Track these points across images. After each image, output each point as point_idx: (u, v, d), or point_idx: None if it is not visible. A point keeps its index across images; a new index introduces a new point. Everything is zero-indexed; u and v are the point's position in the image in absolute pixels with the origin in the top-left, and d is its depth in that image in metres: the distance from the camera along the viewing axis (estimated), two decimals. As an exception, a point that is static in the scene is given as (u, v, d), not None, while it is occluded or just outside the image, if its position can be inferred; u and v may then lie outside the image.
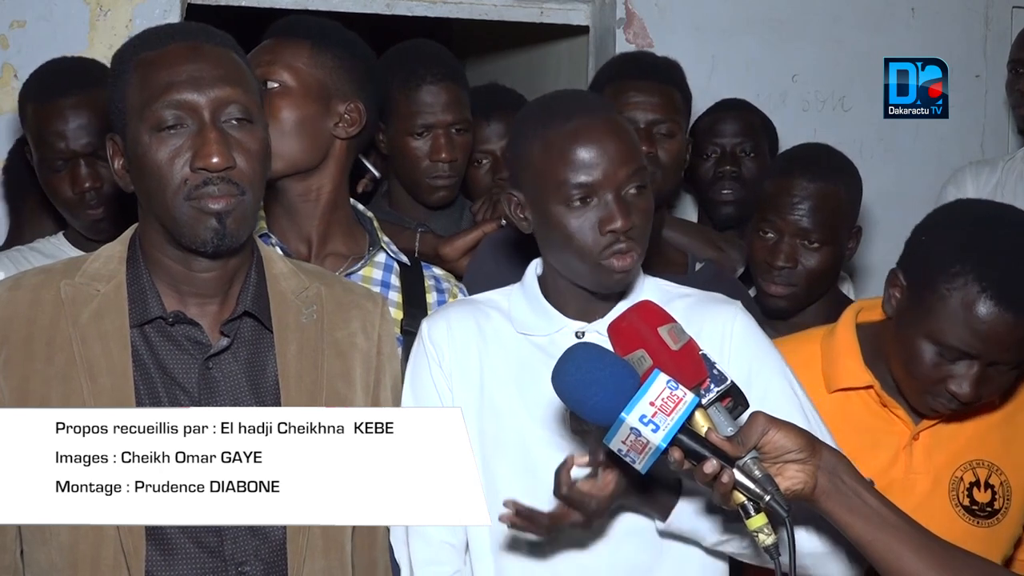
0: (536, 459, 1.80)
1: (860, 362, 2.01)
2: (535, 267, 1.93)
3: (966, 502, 1.97)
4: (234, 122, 1.62)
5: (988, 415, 2.02)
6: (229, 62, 1.65)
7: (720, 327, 1.82)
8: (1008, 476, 1.99)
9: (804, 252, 2.43)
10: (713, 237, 2.74)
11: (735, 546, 1.77)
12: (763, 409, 1.64)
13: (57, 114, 2.42)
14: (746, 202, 2.96)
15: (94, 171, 2.42)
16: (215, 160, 1.58)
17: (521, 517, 1.70)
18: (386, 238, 2.21)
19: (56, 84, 2.48)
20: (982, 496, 1.97)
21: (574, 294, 1.84)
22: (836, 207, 2.44)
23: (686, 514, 1.75)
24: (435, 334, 1.88)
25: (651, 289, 1.88)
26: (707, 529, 1.76)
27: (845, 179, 2.48)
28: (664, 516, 1.76)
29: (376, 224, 2.23)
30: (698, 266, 2.37)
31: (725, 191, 3.06)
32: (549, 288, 1.88)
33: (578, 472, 1.69)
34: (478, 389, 1.84)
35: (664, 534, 1.78)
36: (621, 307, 1.80)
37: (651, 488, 1.74)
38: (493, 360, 1.85)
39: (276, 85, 2.13)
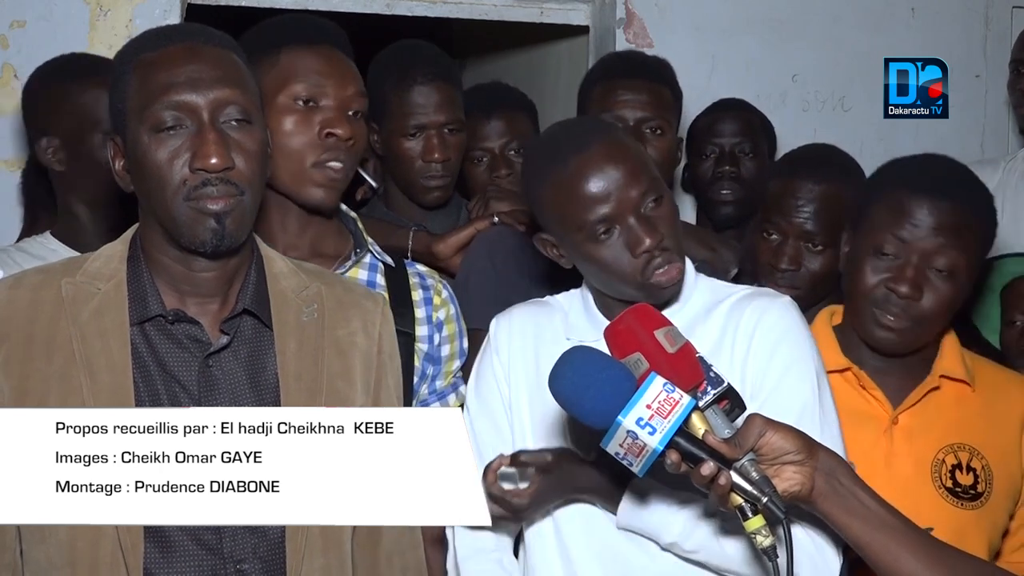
0: None
1: (837, 349, 2.07)
2: None
3: (949, 484, 1.98)
4: (233, 123, 1.63)
5: (968, 401, 2.04)
6: (228, 63, 1.66)
7: (755, 318, 1.83)
8: (989, 460, 2.00)
9: (808, 254, 2.42)
10: (705, 238, 2.72)
11: (694, 544, 1.76)
12: (773, 397, 1.67)
13: (94, 87, 2.34)
14: (745, 202, 2.96)
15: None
16: (214, 161, 1.59)
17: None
18: (370, 239, 2.20)
19: (85, 66, 2.46)
20: (965, 479, 1.99)
21: (620, 303, 1.85)
22: (841, 209, 2.42)
23: (634, 510, 1.78)
24: (499, 328, 1.97)
25: (703, 290, 1.90)
26: (660, 525, 1.77)
27: (850, 181, 2.47)
28: (615, 510, 1.80)
29: (360, 225, 2.21)
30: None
31: (724, 191, 3.05)
32: (597, 295, 1.91)
33: (507, 470, 1.80)
34: (533, 387, 1.89)
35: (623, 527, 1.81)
36: (670, 314, 1.79)
37: (605, 486, 1.79)
38: (547, 360, 1.87)
39: (360, 112, 2.10)
